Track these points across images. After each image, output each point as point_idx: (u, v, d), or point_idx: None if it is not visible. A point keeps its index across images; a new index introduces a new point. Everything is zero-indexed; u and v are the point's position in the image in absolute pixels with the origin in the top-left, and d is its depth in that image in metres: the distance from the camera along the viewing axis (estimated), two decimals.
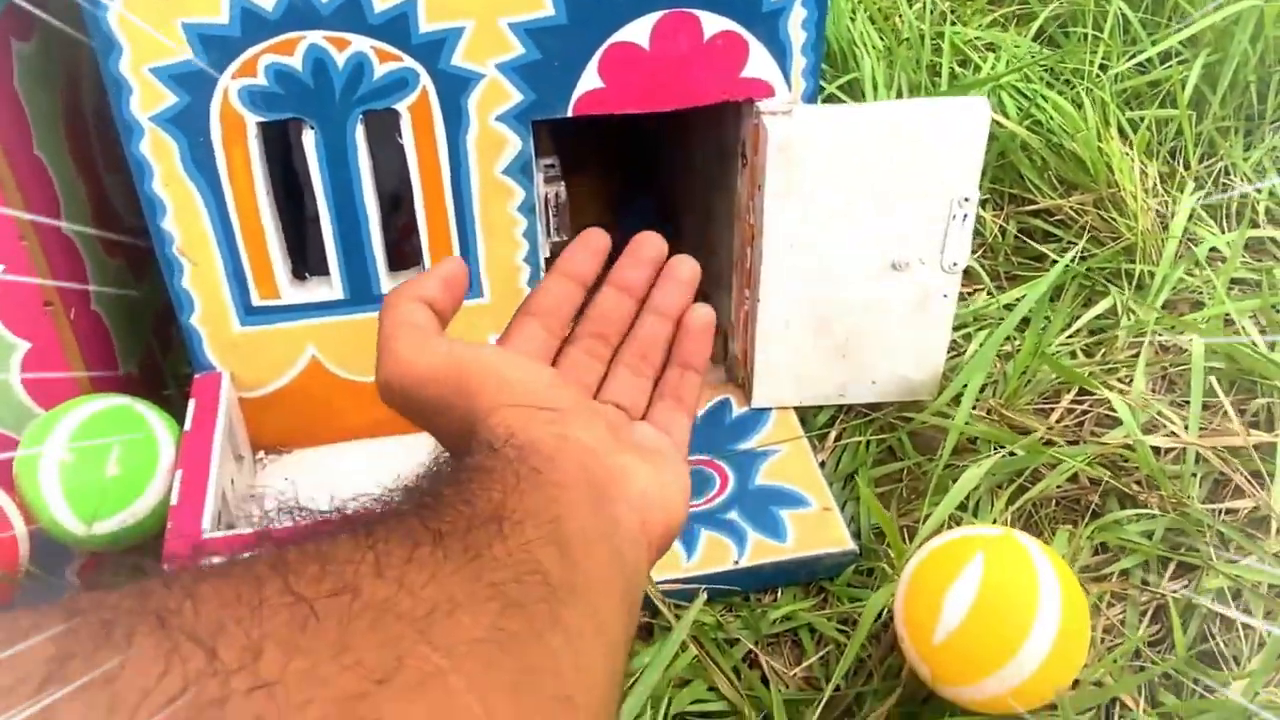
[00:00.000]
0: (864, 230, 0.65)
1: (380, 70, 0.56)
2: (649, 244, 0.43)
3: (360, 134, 0.58)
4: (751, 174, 0.65)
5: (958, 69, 1.02)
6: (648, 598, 0.59)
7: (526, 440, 0.33)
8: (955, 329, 0.80)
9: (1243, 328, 0.75)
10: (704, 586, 0.60)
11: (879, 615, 0.59)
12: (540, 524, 0.30)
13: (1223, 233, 0.86)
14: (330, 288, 0.63)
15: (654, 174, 0.93)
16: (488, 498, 0.30)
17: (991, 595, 0.49)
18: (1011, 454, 0.67)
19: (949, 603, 0.49)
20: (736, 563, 0.62)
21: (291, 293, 0.63)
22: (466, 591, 0.26)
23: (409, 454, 0.37)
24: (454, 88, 0.57)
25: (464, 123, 0.59)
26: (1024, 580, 0.50)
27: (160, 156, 0.56)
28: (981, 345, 0.74)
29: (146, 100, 0.55)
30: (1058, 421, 0.72)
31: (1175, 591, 0.60)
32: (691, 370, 0.42)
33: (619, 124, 0.85)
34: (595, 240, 0.43)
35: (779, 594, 0.63)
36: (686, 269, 0.44)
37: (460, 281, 0.38)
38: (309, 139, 0.57)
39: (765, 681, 0.57)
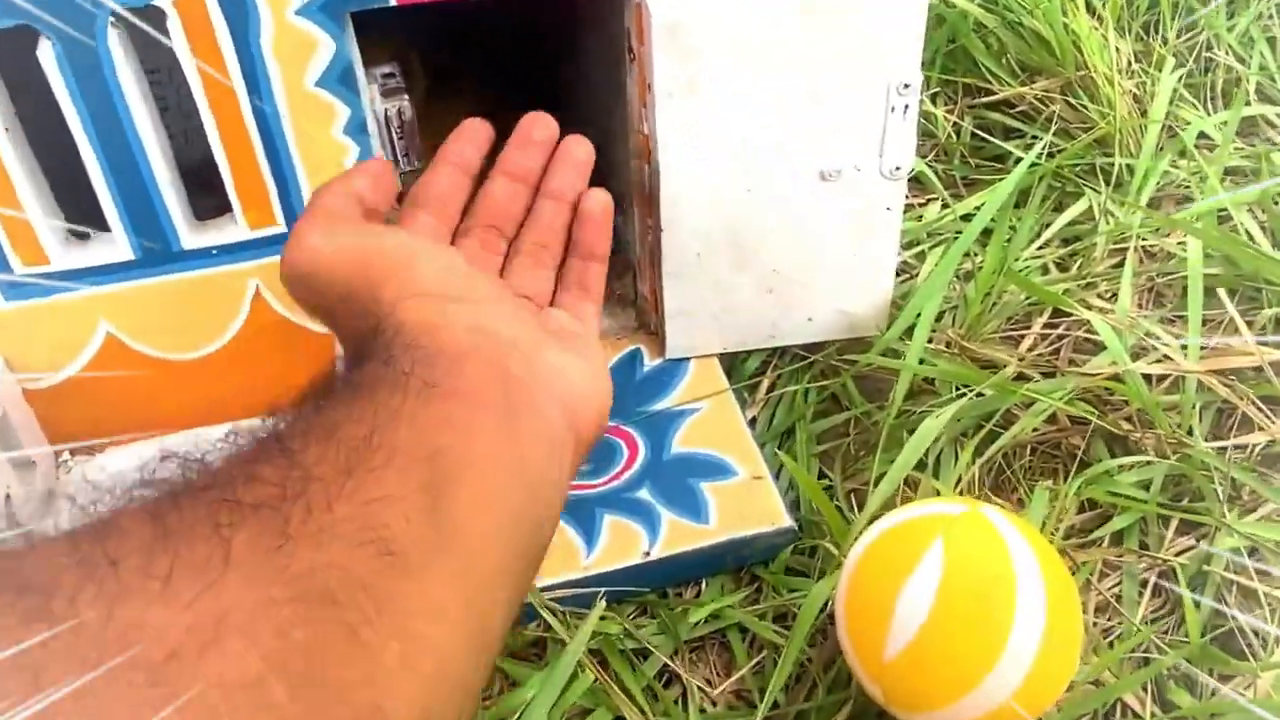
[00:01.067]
0: (783, 133, 0.52)
1: None
2: (539, 125, 0.42)
3: (117, 42, 0.44)
4: (640, 71, 0.52)
5: None
6: (534, 610, 0.47)
7: (432, 344, 0.30)
8: (906, 248, 0.68)
9: (1241, 224, 0.64)
10: (605, 590, 0.48)
11: (823, 608, 0.48)
12: (413, 461, 0.26)
13: (1208, 115, 0.74)
14: (114, 247, 0.50)
15: (548, 90, 0.80)
16: (353, 431, 0.26)
17: (956, 594, 0.38)
18: (978, 395, 0.55)
19: (902, 607, 0.38)
20: (648, 554, 0.50)
21: (64, 256, 0.50)
22: (252, 600, 0.21)
23: None
24: None
25: (253, 20, 0.45)
26: (997, 570, 0.38)
27: None
28: (936, 265, 0.62)
29: None
30: (1029, 350, 0.61)
31: (1179, 556, 0.49)
32: (594, 260, 0.41)
33: (503, 28, 0.71)
34: (477, 130, 0.42)
35: (703, 588, 0.51)
36: (581, 150, 0.42)
37: (389, 179, 0.39)
38: (46, 53, 0.44)
39: (685, 700, 0.46)
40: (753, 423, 0.58)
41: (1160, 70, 0.76)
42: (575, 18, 0.67)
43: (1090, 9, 0.79)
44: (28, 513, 0.51)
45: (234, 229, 0.51)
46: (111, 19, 0.44)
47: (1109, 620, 0.48)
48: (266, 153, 0.49)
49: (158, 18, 0.44)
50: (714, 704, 0.47)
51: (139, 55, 0.46)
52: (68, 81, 0.45)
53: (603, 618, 0.48)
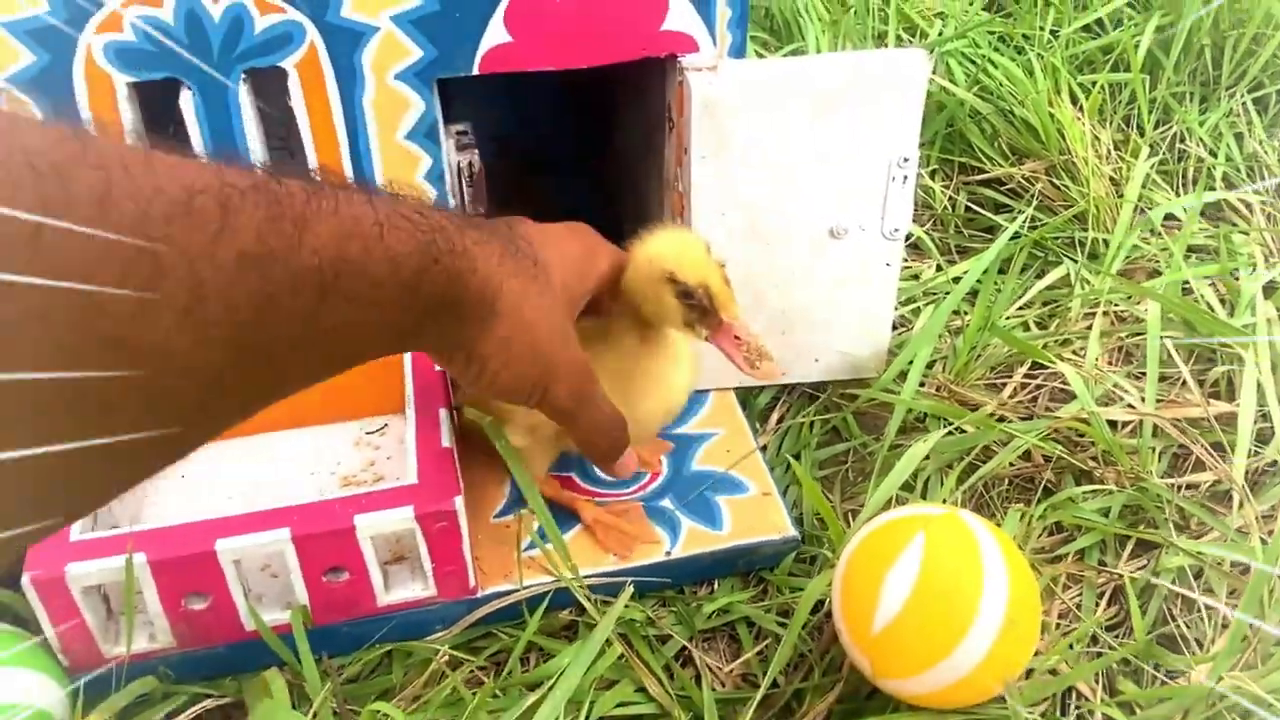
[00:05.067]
0: (799, 195, 0.61)
1: (261, 23, 0.51)
2: None
3: (245, 95, 0.53)
4: (678, 137, 0.61)
5: (905, 36, 0.98)
6: (570, 594, 0.54)
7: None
8: (903, 304, 0.76)
9: (1201, 295, 0.72)
10: (632, 580, 0.55)
11: (818, 605, 0.55)
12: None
13: (1177, 198, 0.83)
14: None
15: (589, 150, 0.89)
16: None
17: (932, 578, 0.45)
18: (961, 431, 0.63)
19: (887, 588, 0.45)
20: (669, 554, 0.57)
21: None
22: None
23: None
24: (345, 43, 0.53)
25: (359, 82, 0.54)
26: (967, 561, 0.46)
27: None
28: (929, 319, 0.70)
29: (1, 59, 0.49)
30: (1010, 397, 0.69)
31: (1134, 572, 0.56)
32: None
33: (551, 96, 0.80)
34: None
35: (715, 586, 0.59)
36: None
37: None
38: (186, 101, 0.52)
39: (698, 680, 0.53)
40: (763, 450, 0.66)
41: (1135, 158, 0.85)
42: (615, 89, 0.76)
43: (1074, 101, 0.89)
44: None
45: None
46: (243, 75, 0.53)
47: (1070, 624, 0.55)
48: None
49: (281, 77, 0.53)
50: (722, 684, 0.54)
51: (263, 105, 0.55)
52: (201, 124, 0.53)
53: (627, 606, 0.55)
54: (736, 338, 0.50)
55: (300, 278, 0.29)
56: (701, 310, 0.50)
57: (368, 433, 0.65)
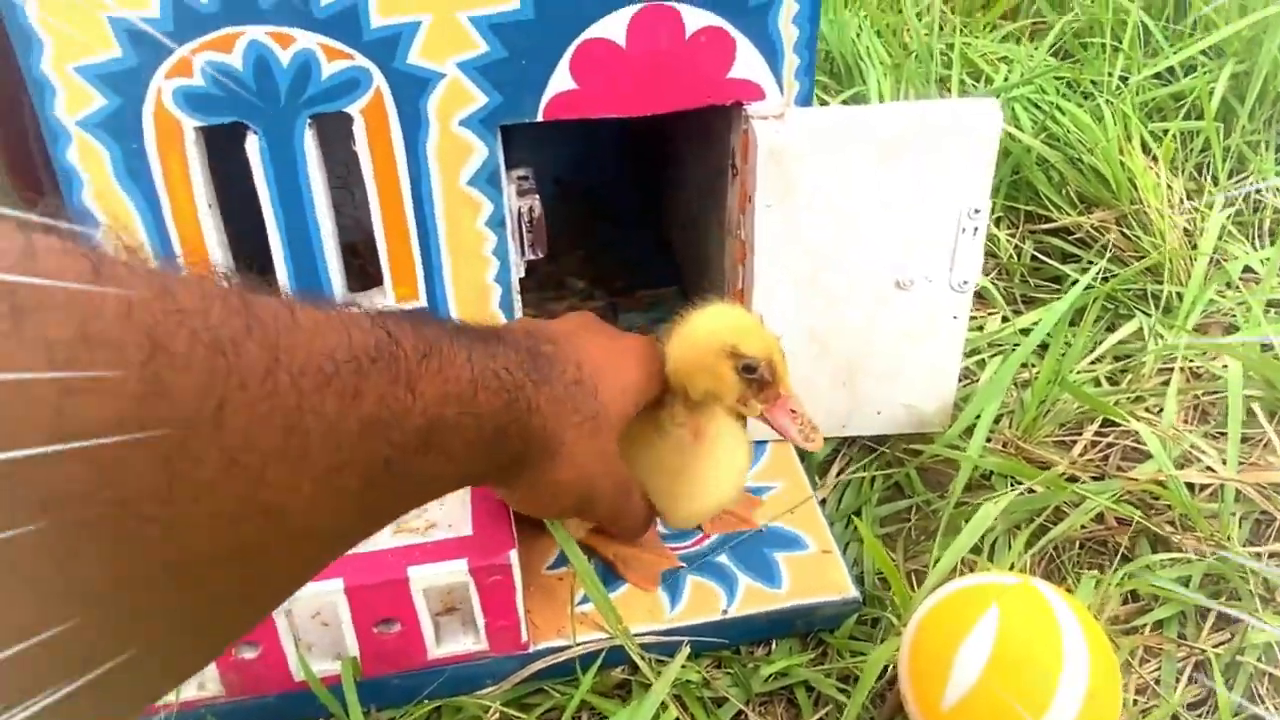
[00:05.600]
0: (865, 245, 0.59)
1: (329, 69, 0.51)
2: None
3: (310, 139, 0.53)
4: (742, 185, 0.59)
5: (968, 81, 0.97)
6: (624, 652, 0.53)
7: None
8: (969, 355, 0.74)
9: None
10: (688, 640, 0.54)
11: (883, 672, 0.53)
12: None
13: (1255, 251, 0.80)
14: None
15: (649, 192, 0.88)
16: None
17: (1008, 653, 0.43)
18: (1030, 491, 0.61)
19: (960, 662, 0.43)
20: (725, 612, 0.56)
21: None
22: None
23: None
24: (411, 89, 0.52)
25: (423, 127, 0.54)
26: (1045, 635, 0.43)
27: (90, 165, 0.52)
28: (996, 372, 0.68)
29: (73, 102, 0.50)
30: (1081, 455, 0.66)
31: (1216, 647, 0.53)
32: None
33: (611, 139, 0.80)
34: None
35: (773, 647, 0.57)
36: None
37: None
38: (252, 145, 0.52)
39: None
40: (822, 503, 0.64)
41: (1210, 208, 0.82)
42: (678, 134, 0.76)
43: (1145, 149, 0.87)
44: None
45: (382, 300, 0.59)
46: (309, 120, 0.52)
47: (1148, 701, 0.52)
48: (419, 236, 0.57)
49: (347, 121, 0.53)
50: None
51: (327, 151, 0.55)
52: (265, 167, 0.53)
53: (683, 667, 0.53)
54: (793, 411, 0.50)
55: (409, 437, 0.30)
56: (760, 384, 0.49)
57: None
